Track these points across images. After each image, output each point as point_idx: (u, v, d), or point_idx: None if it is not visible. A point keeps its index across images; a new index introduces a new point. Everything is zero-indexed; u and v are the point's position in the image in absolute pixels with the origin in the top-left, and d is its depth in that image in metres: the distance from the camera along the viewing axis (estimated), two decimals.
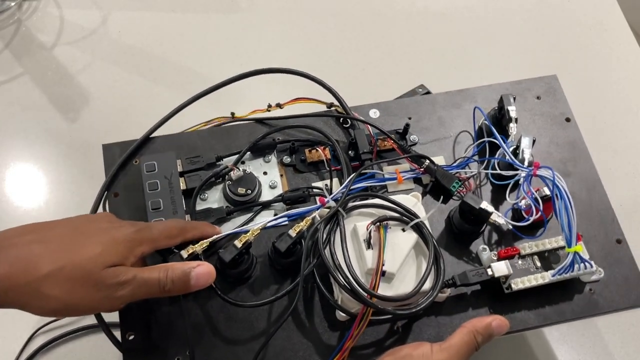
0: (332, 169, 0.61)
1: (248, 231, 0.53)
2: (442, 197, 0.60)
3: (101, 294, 0.44)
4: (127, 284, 0.45)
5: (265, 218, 0.58)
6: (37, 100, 0.89)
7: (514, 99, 0.61)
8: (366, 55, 0.95)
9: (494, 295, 0.56)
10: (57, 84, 0.91)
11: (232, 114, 0.65)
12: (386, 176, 0.61)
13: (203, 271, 0.48)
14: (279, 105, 0.65)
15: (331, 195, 0.55)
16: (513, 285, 0.54)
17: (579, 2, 1.01)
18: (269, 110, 0.64)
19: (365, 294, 0.49)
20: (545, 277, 0.54)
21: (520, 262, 0.56)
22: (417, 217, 0.54)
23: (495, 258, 0.56)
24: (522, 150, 0.58)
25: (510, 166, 0.58)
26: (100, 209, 0.58)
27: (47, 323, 0.72)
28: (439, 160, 0.63)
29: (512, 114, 0.60)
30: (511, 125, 0.60)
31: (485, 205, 0.55)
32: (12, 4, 0.96)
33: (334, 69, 0.93)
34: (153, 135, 0.62)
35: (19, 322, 0.72)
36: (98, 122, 0.87)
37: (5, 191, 0.82)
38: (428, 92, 0.86)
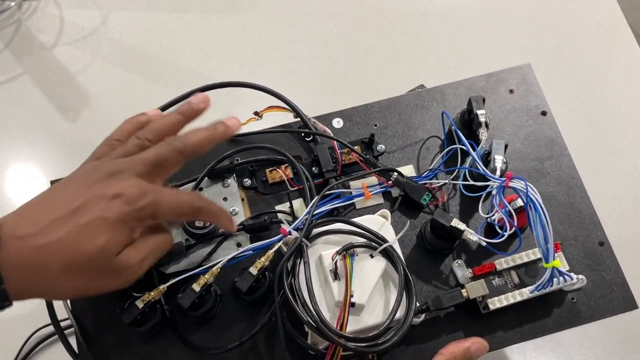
0: (295, 188, 0.58)
1: (206, 272, 0.50)
2: (413, 211, 0.57)
3: (117, 280, 0.43)
4: (139, 267, 0.43)
5: (227, 251, 0.55)
6: (37, 100, 0.89)
7: (484, 100, 0.57)
8: (366, 54, 0.93)
9: (470, 315, 0.53)
10: (57, 84, 0.90)
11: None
12: (353, 193, 0.57)
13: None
14: (257, 114, 0.61)
15: (292, 225, 0.52)
16: (490, 305, 0.51)
17: (579, 2, 0.98)
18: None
19: (333, 335, 0.47)
20: (523, 294, 0.52)
21: (496, 279, 0.53)
22: (385, 240, 0.51)
23: (470, 275, 0.53)
24: (493, 159, 0.54)
25: (483, 175, 0.54)
26: None
27: (48, 324, 0.71)
28: (408, 170, 0.59)
29: (482, 119, 0.56)
30: (481, 130, 0.56)
31: (457, 223, 0.52)
32: (12, 4, 0.96)
33: (334, 68, 0.91)
34: None
35: (19, 321, 0.71)
36: (98, 122, 0.85)
37: (5, 191, 0.82)
38: None
